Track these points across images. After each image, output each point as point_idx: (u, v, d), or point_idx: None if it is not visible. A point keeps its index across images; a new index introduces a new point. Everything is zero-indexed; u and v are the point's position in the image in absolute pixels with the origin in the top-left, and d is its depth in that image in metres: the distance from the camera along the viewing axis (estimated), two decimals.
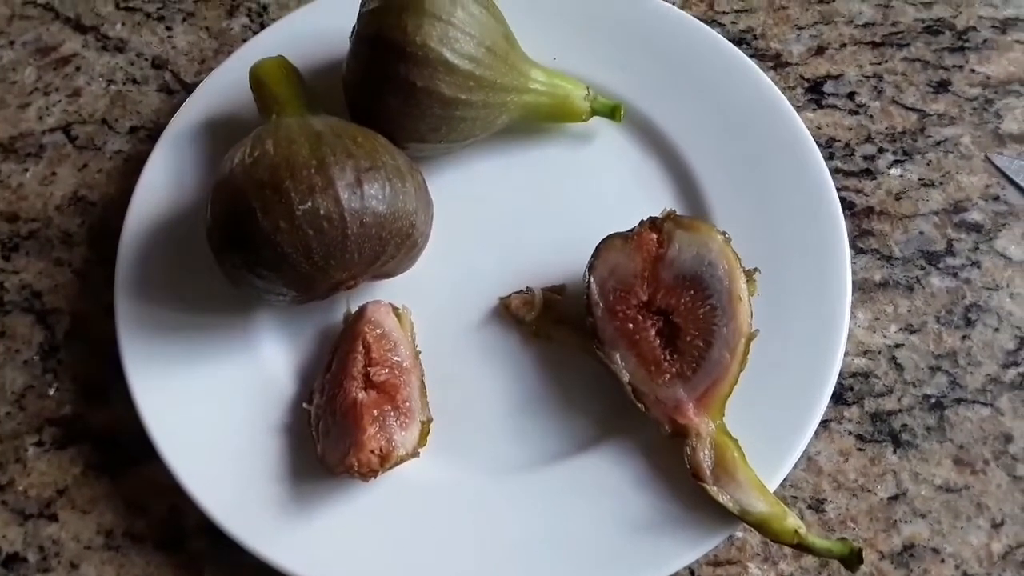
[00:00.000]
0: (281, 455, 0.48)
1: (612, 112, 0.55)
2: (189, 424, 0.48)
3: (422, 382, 0.49)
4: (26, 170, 0.60)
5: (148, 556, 0.49)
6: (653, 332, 0.47)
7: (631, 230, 0.49)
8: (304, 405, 0.49)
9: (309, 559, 0.45)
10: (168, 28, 0.65)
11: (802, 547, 0.43)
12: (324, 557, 0.45)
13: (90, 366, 0.54)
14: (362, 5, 0.51)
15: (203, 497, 0.46)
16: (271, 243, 0.44)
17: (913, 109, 0.60)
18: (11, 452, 0.52)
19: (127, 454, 0.51)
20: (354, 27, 0.51)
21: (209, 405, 0.49)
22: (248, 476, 0.47)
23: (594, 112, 0.55)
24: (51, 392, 0.53)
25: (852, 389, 0.52)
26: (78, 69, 0.64)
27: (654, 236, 0.48)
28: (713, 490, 0.44)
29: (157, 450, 0.47)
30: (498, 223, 0.55)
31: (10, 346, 0.55)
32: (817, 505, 0.49)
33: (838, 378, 0.50)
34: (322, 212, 0.44)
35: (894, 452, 0.50)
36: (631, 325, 0.47)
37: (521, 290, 0.52)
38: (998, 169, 0.57)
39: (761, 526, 0.43)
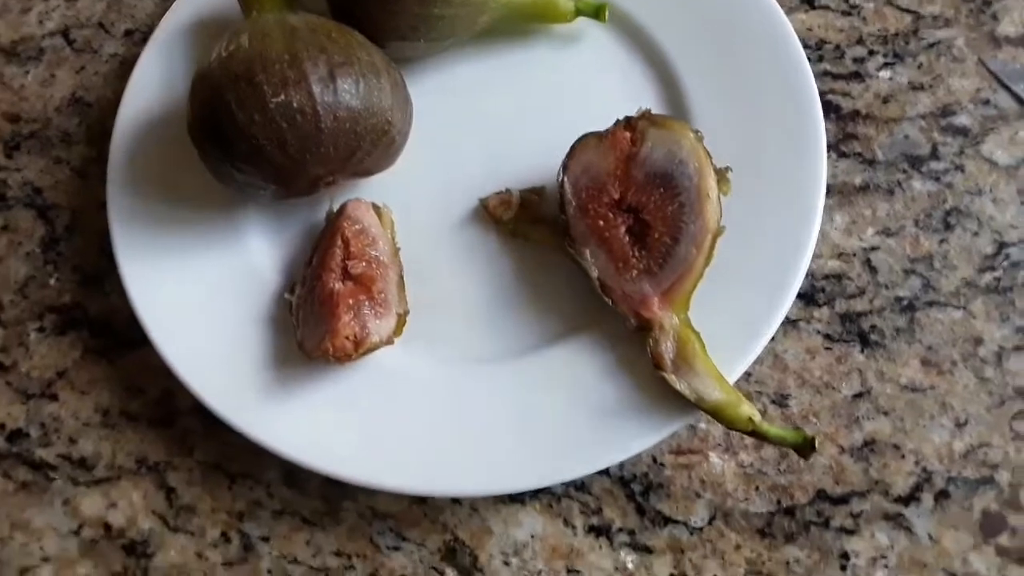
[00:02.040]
0: (265, 342, 0.50)
1: (597, 12, 0.55)
2: (179, 313, 0.51)
3: (400, 277, 0.51)
4: (27, 73, 0.62)
5: (142, 433, 0.52)
6: (623, 229, 0.48)
7: (606, 130, 0.49)
8: (285, 295, 0.51)
9: (291, 437, 0.47)
10: None
11: (756, 434, 0.45)
12: (305, 435, 0.47)
13: (88, 257, 0.56)
14: None
15: (192, 380, 0.49)
16: (246, 135, 0.45)
17: (907, 10, 0.58)
18: (14, 337, 0.55)
19: (123, 339, 0.54)
20: None
21: (198, 295, 0.51)
22: (234, 361, 0.49)
23: (579, 12, 0.55)
24: (51, 282, 0.56)
25: (824, 291, 0.52)
26: None
27: (628, 135, 0.49)
28: (671, 379, 0.45)
29: (148, 337, 0.50)
30: (480, 125, 0.55)
31: (13, 239, 0.57)
32: (781, 400, 0.50)
33: (810, 279, 0.51)
34: (295, 105, 0.45)
35: (861, 351, 0.51)
36: (602, 222, 0.48)
37: (500, 191, 0.53)
38: (991, 73, 0.56)
39: (716, 413, 0.44)
